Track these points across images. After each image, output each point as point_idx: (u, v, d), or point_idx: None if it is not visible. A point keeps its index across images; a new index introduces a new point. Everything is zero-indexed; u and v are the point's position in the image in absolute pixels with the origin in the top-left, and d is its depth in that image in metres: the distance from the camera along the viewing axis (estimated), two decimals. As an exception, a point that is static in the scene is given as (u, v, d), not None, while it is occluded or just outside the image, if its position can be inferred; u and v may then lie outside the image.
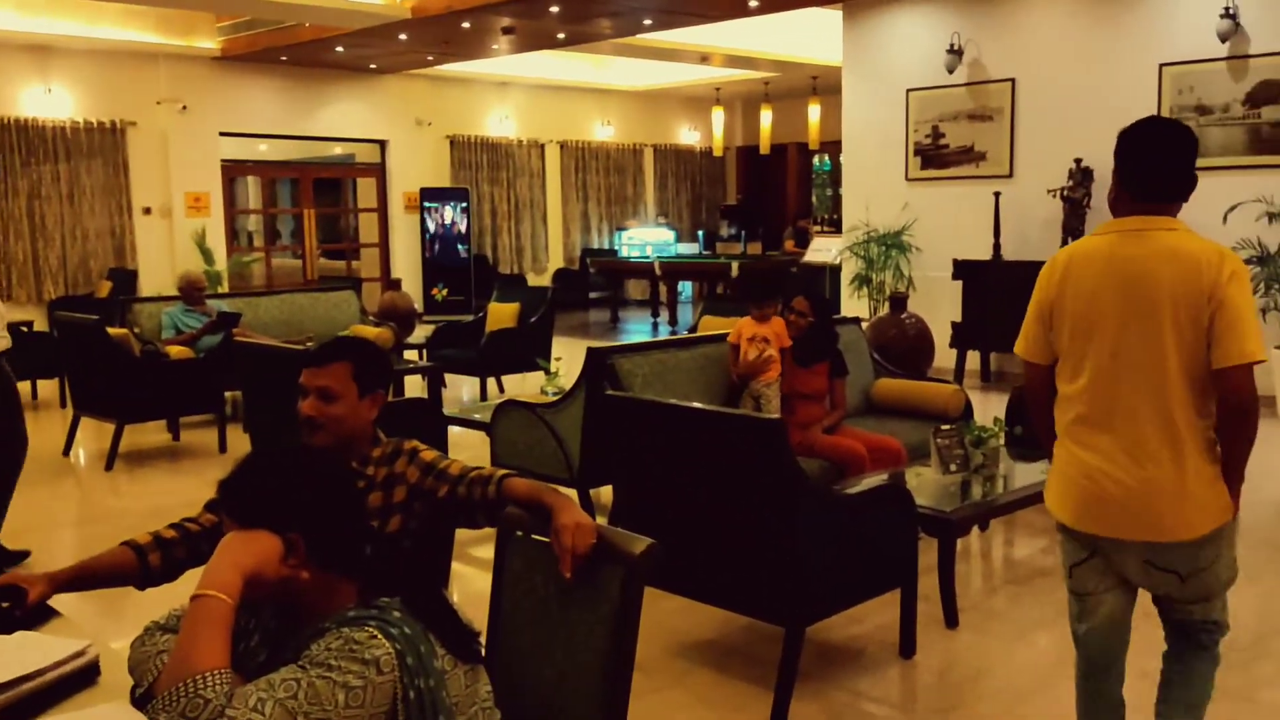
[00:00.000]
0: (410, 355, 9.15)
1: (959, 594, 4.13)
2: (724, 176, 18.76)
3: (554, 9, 10.11)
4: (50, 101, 11.83)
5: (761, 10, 10.39)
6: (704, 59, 13.75)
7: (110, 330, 7.00)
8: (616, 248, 16.35)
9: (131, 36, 11.89)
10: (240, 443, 7.01)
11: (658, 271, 13.45)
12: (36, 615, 2.04)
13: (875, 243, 9.88)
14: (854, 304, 10.10)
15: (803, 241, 14.61)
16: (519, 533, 2.24)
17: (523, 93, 15.76)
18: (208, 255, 12.43)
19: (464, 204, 14.86)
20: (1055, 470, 2.63)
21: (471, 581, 4.63)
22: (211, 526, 2.27)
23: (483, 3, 9.77)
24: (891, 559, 3.68)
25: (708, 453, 3.54)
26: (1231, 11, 7.96)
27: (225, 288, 12.22)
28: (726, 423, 3.63)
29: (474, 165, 15.33)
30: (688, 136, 18.09)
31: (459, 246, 14.87)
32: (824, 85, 14.10)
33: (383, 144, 14.75)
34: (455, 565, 4.25)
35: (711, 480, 3.52)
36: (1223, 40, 8.05)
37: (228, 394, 7.53)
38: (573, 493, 5.22)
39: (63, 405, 8.64)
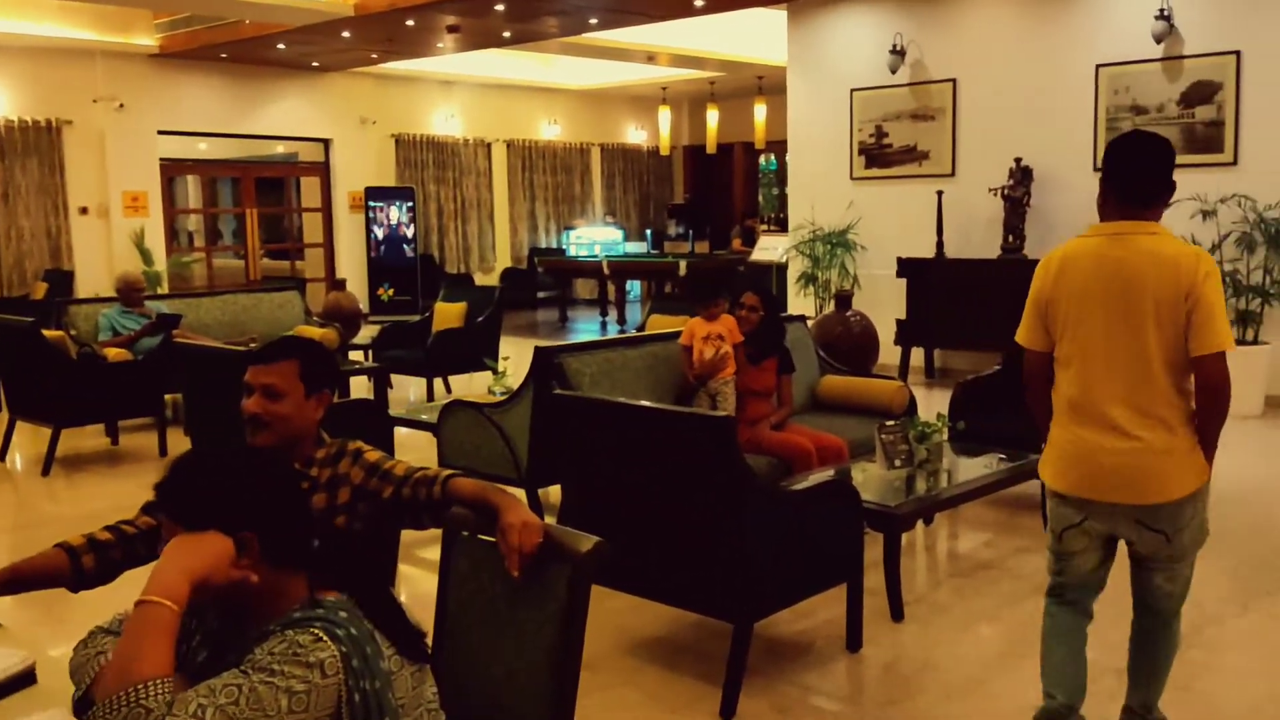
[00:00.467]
0: (356, 356, 9.06)
1: (904, 587, 4.18)
2: (671, 176, 18.81)
3: (499, 7, 10.07)
4: (-18, 99, 11.57)
5: (707, 10, 10.43)
6: (650, 58, 13.77)
7: (46, 332, 6.85)
8: (564, 247, 16.32)
9: (67, 33, 11.64)
10: (181, 446, 6.90)
11: (606, 271, 13.44)
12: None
13: (821, 241, 9.97)
14: (800, 302, 10.18)
15: (750, 240, 14.69)
16: (465, 533, 2.23)
17: (468, 91, 15.67)
18: (146, 256, 12.21)
19: (410, 203, 14.75)
20: (1052, 445, 2.91)
21: (418, 583, 4.60)
22: (148, 529, 2.23)
23: (427, 0, 9.70)
24: (838, 554, 3.71)
25: (656, 451, 3.55)
26: (1166, 13, 8.14)
27: (165, 289, 12.01)
28: (674, 421, 3.64)
29: (420, 164, 15.22)
30: (635, 136, 18.11)
31: (405, 246, 14.75)
32: (769, 85, 14.20)
33: (326, 143, 14.59)
34: (401, 567, 4.22)
35: (660, 478, 3.53)
36: (1157, 41, 8.22)
37: (168, 397, 7.41)
38: (521, 493, 5.20)
39: (-3, 410, 8.44)
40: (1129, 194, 2.79)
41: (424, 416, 6.17)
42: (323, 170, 14.72)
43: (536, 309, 16.19)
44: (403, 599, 3.23)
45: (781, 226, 12.94)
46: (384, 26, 10.93)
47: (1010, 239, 8.88)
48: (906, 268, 9.34)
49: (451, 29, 11.08)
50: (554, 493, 5.45)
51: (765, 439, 4.84)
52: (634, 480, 3.62)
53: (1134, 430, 2.75)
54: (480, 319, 8.68)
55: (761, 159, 17.74)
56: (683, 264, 12.94)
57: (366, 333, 10.06)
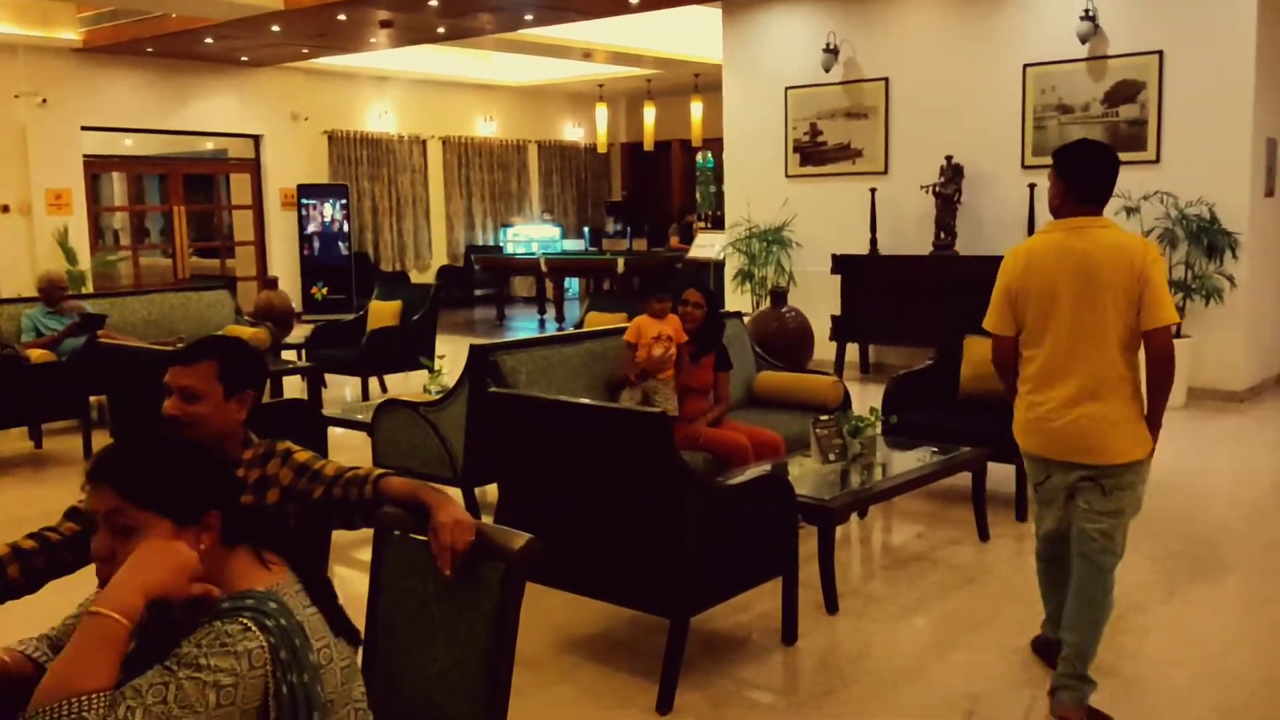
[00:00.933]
0: (289, 355, 8.92)
1: (839, 580, 4.22)
2: (609, 173, 18.80)
3: (433, 3, 9.98)
4: (-105, 93, 11.19)
5: (642, 8, 10.44)
6: (587, 55, 13.75)
7: (-36, 334, 6.64)
8: (502, 244, 16.23)
9: (-14, 26, 11.32)
10: (108, 449, 6.73)
11: (544, 268, 13.40)
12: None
13: (757, 238, 10.03)
14: (737, 299, 10.23)
15: (688, 237, 14.73)
16: (396, 532, 2.21)
17: (403, 87, 15.51)
18: (70, 255, 11.90)
19: (343, 200, 14.57)
20: (1020, 414, 3.35)
21: (349, 583, 4.53)
22: (73, 535, 2.18)
23: (359, -5, 9.59)
24: (773, 548, 3.74)
25: (592, 448, 3.55)
26: (1090, 14, 8.32)
27: (90, 288, 11.71)
28: (610, 417, 3.64)
29: (353, 161, 15.04)
30: (572, 133, 18.07)
31: (339, 244, 14.56)
32: (706, 83, 14.25)
33: (257, 139, 14.35)
34: (333, 568, 4.17)
35: (596, 475, 3.52)
36: (1082, 41, 8.40)
37: (93, 399, 7.22)
38: (457, 492, 5.16)
39: (-87, 414, 8.16)
40: (1085, 194, 3.19)
41: (359, 416, 6.10)
42: (253, 167, 14.47)
43: (474, 307, 16.09)
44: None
45: (719, 224, 13.00)
46: (315, 21, 10.77)
47: (942, 236, 9.01)
48: (841, 264, 9.44)
49: (384, 24, 10.96)
50: (491, 491, 5.42)
51: (702, 435, 4.86)
52: (570, 478, 3.61)
53: (1091, 400, 3.16)
54: (416, 317, 8.60)
55: (699, 156, 17.84)
56: (621, 261, 12.94)
57: (299, 332, 9.91)
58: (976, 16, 9.05)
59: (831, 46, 9.63)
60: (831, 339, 9.44)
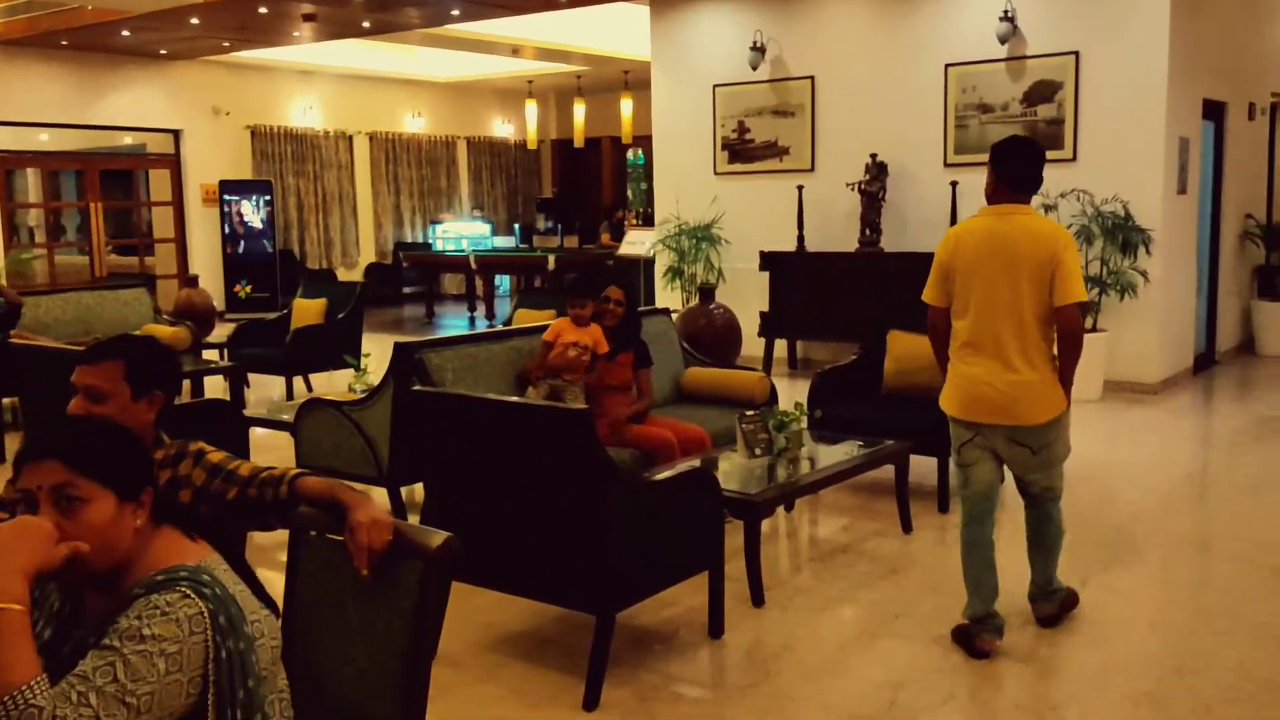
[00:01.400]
0: (210, 355, 8.74)
1: (765, 573, 4.26)
2: (539, 169, 18.73)
3: (357, -4, 9.85)
4: None
5: (570, 4, 10.42)
6: (515, 51, 13.68)
7: None
8: (431, 241, 16.08)
9: (-113, 15, 10.90)
10: (20, 452, 6.53)
11: (473, 265, 13.31)
12: None
13: (686, 235, 10.06)
14: (667, 296, 10.26)
15: (619, 235, 14.74)
16: (313, 532, 2.18)
17: (328, 82, 15.28)
18: (-18, 252, 11.53)
19: (267, 197, 14.31)
20: (949, 381, 3.71)
21: (266, 584, 4.45)
22: None
23: (281, -12, 9.42)
24: (699, 543, 3.76)
25: (517, 445, 3.53)
26: (1009, 15, 8.49)
27: (3, 285, 11.33)
28: (535, 415, 3.63)
29: (277, 157, 14.77)
30: (501, 129, 17.97)
31: (263, 241, 14.30)
32: (635, 80, 14.26)
33: (176, 134, 14.03)
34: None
35: (522, 473, 3.51)
36: (1002, 42, 8.57)
37: (5, 400, 7.01)
38: (383, 492, 5.11)
39: None
40: (1016, 184, 3.60)
41: (283, 416, 6.00)
42: (173, 162, 14.15)
43: (403, 305, 15.92)
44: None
45: (649, 221, 13.03)
46: (235, 14, 10.56)
47: (867, 233, 9.13)
48: (769, 261, 9.52)
49: (308, 17, 10.79)
50: (418, 491, 5.37)
51: (627, 432, 4.87)
52: (496, 476, 3.59)
53: (1011, 368, 3.55)
54: (341, 315, 8.49)
55: (630, 153, 17.85)
56: (551, 258, 12.91)
57: (221, 331, 9.72)
58: (899, 16, 9.18)
59: (759, 45, 9.70)
60: (760, 335, 9.52)
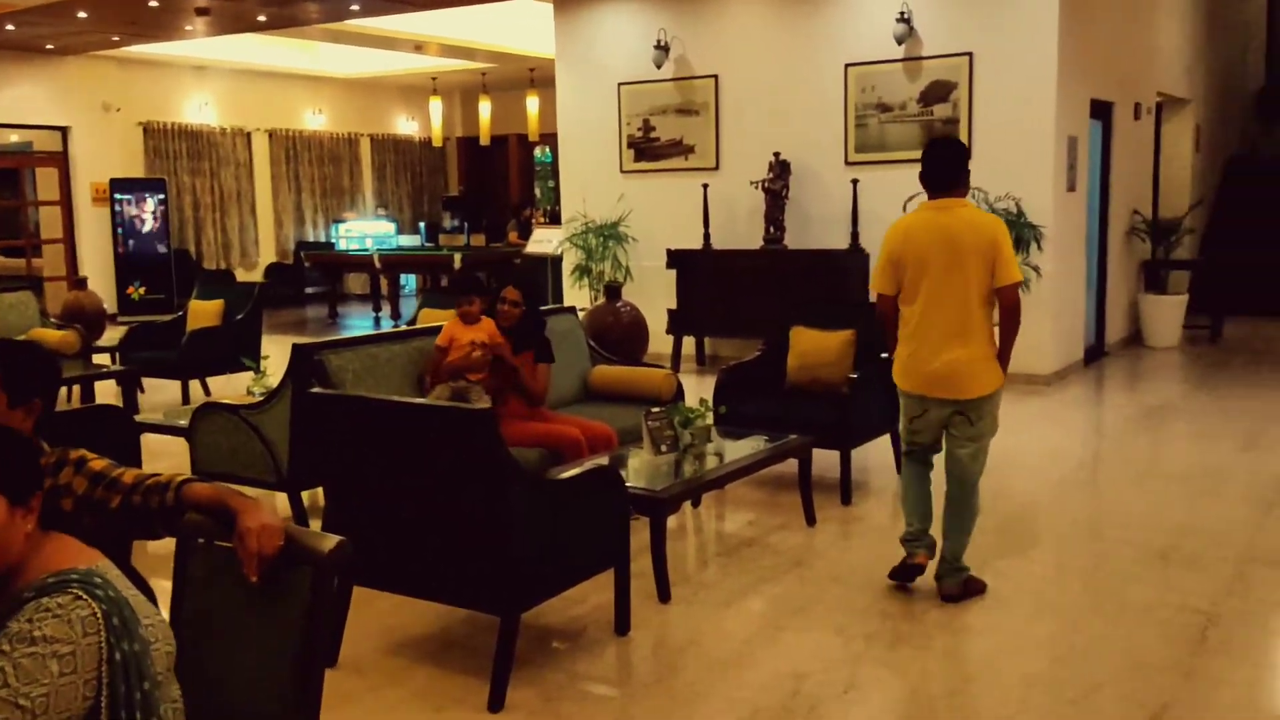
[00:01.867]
0: (101, 359, 8.45)
1: (672, 569, 4.29)
2: (445, 167, 18.53)
3: (253, -10, 9.62)
4: None
5: (473, 1, 10.32)
6: (418, 48, 13.50)
7: None
8: (334, 240, 15.79)
9: None
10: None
11: (377, 264, 13.11)
12: None
13: (593, 234, 10.06)
14: (575, 294, 10.24)
15: (526, 233, 14.66)
16: (201, 540, 2.12)
17: (224, 78, 14.90)
18: None
19: (161, 196, 13.89)
20: (899, 360, 4.12)
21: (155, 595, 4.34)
22: None
23: (172, -20, 9.15)
24: (604, 540, 3.76)
25: (418, 447, 3.49)
26: (906, 16, 8.67)
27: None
28: (435, 415, 3.59)
29: (172, 154, 14.36)
30: (406, 126, 17.73)
31: (157, 241, 13.88)
32: (541, 77, 14.20)
33: (64, 131, 13.54)
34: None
35: (424, 474, 3.47)
36: (899, 43, 8.74)
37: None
38: (283, 497, 5.01)
39: None
40: (932, 182, 4.01)
41: (179, 421, 5.82)
42: (61, 160, 13.65)
43: (305, 305, 15.61)
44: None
45: (557, 219, 12.99)
46: (125, 8, 10.23)
47: (771, 230, 9.23)
48: (676, 259, 9.57)
49: (200, 11, 10.49)
50: (319, 495, 5.27)
51: (533, 430, 4.84)
52: (398, 478, 3.54)
53: (955, 347, 3.94)
54: (240, 316, 8.28)
55: (537, 151, 17.77)
56: (457, 257, 12.78)
57: (113, 334, 9.40)
58: (800, 16, 9.30)
59: (662, 43, 9.74)
60: (668, 332, 9.56)
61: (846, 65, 9.05)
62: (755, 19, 9.55)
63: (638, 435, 4.90)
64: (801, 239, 9.24)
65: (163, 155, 14.25)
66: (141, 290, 13.74)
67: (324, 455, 3.81)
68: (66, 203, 13.68)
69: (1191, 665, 3.54)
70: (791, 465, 5.17)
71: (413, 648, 3.82)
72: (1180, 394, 8.55)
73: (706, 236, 9.58)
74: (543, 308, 5.60)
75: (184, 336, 8.13)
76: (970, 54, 8.55)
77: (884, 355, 5.53)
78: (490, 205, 17.64)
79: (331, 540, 1.95)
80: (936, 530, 4.22)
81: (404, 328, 6.38)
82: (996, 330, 4.05)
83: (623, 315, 8.92)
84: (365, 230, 15.81)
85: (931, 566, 4.19)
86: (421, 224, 16.64)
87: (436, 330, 5.19)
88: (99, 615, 1.58)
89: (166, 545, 2.17)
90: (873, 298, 4.41)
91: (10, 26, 11.02)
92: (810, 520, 5.08)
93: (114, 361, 8.31)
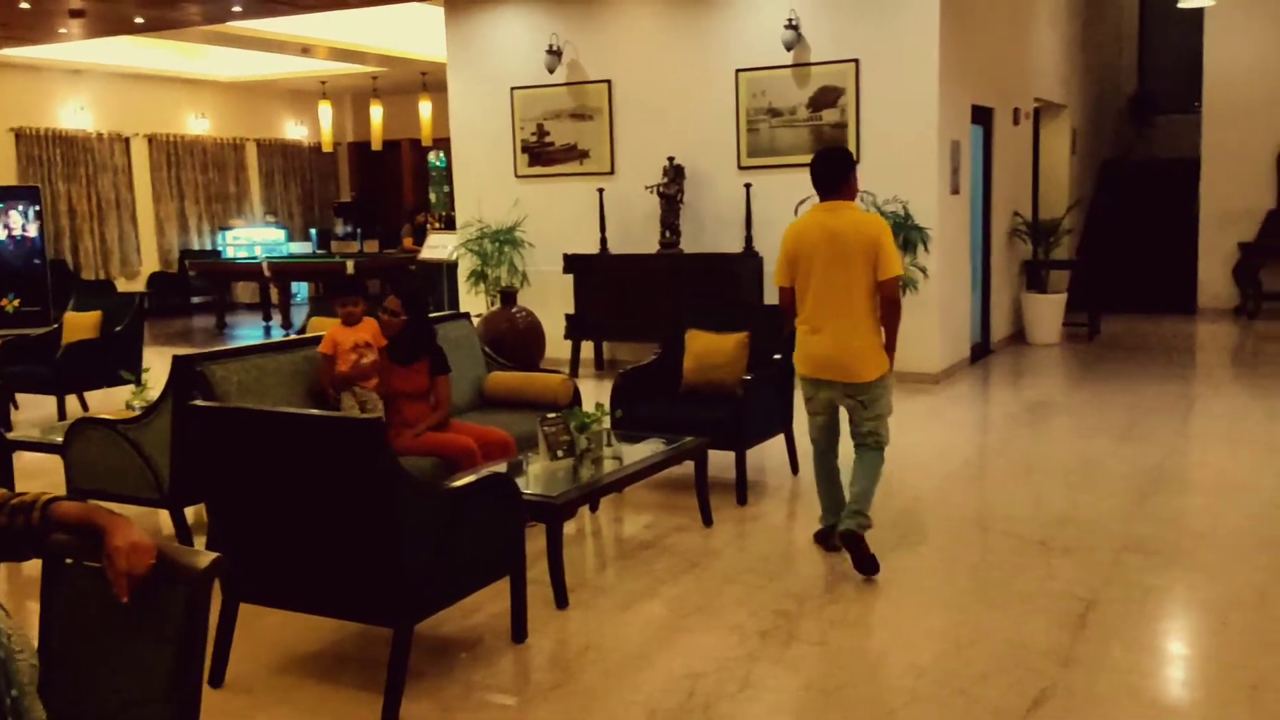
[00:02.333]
0: (-29, 375, 8.05)
1: (571, 574, 4.27)
2: (336, 173, 18.20)
3: (129, -10, 9.30)
4: None
5: (360, 3, 10.15)
6: (305, 51, 13.22)
7: None
8: (221, 248, 15.36)
9: None
10: None
11: (266, 273, 12.79)
12: None
13: (489, 239, 9.98)
14: (472, 300, 10.16)
15: (422, 239, 14.48)
16: (69, 560, 2.04)
17: (101, 81, 14.38)
18: None
19: (35, 205, 13.31)
20: (798, 347, 4.52)
21: (18, 618, 4.15)
22: None
23: (42, -21, 8.79)
24: (500, 548, 3.73)
25: (304, 459, 3.41)
26: (794, 23, 8.81)
27: None
28: (321, 426, 3.51)
29: (46, 161, 13.81)
30: (294, 131, 17.36)
31: (32, 252, 13.30)
32: (434, 81, 14.05)
33: (-71, 136, 12.90)
34: None
35: (310, 487, 3.39)
36: (788, 49, 8.88)
37: None
38: (164, 514, 4.85)
39: None
40: (820, 188, 4.42)
41: (54, 438, 5.58)
42: (-75, 167, 13.00)
43: (192, 315, 15.15)
44: None
45: (452, 224, 12.86)
46: (-8, 7, 9.79)
47: (667, 234, 9.29)
48: (573, 264, 9.56)
49: (75, 13, 10.10)
50: (204, 511, 5.11)
51: (426, 440, 4.78)
52: (284, 492, 3.45)
53: (845, 336, 4.35)
54: (118, 328, 7.98)
55: (431, 156, 17.56)
56: (350, 264, 12.55)
57: (-17, 349, 8.96)
58: (691, 22, 9.38)
59: (555, 48, 9.72)
60: (566, 337, 9.54)
61: (737, 71, 9.15)
62: (647, 24, 9.60)
63: (535, 441, 4.87)
64: (697, 243, 9.31)
65: (36, 162, 13.69)
66: (16, 303, 13.14)
67: (206, 470, 3.69)
68: (-69, 211, 13.03)
69: (1071, 651, 3.66)
70: (689, 467, 5.21)
71: (303, 664, 3.73)
72: (1061, 389, 8.87)
73: (603, 241, 9.59)
74: (433, 315, 5.52)
75: (59, 350, 7.81)
76: (856, 61, 8.73)
77: (776, 357, 5.73)
78: (384, 211, 17.38)
79: (206, 557, 1.89)
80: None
81: (292, 337, 6.23)
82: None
83: (518, 321, 8.87)
84: (254, 238, 15.44)
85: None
86: (313, 231, 16.32)
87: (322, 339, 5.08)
88: None
89: (35, 567, 2.08)
90: (774, 295, 4.82)
91: None
92: (707, 521, 5.12)
93: (-16, 377, 7.93)
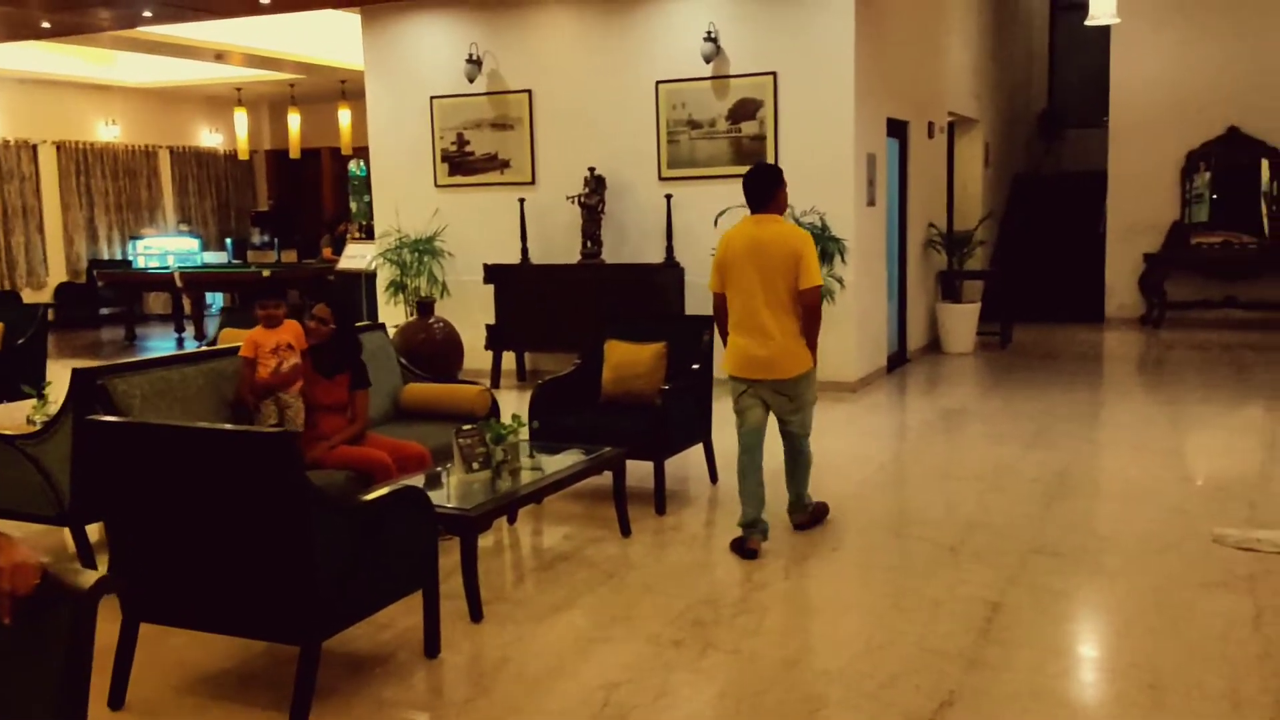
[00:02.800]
0: None
1: (487, 587, 4.24)
2: (253, 181, 17.86)
3: (33, -7, 9.03)
4: None
5: (274, 9, 9.99)
6: (219, 57, 12.96)
7: None
8: (131, 258, 14.97)
9: None
10: None
11: (179, 283, 12.49)
12: None
13: (408, 249, 9.88)
14: (391, 311, 10.03)
15: (341, 248, 14.26)
16: (-51, 581, 1.96)
17: (7, 88, 13.94)
18: None
19: (-65, 212, 12.85)
20: (729, 350, 4.86)
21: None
22: None
23: (-60, -20, 8.49)
24: (412, 562, 3.68)
25: (209, 474, 3.33)
26: (713, 35, 8.88)
27: None
28: (227, 440, 3.44)
29: (-54, 167, 13.32)
30: (209, 138, 17.00)
31: (-69, 261, 12.83)
32: (353, 89, 13.86)
33: None
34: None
35: (215, 502, 3.31)
36: (707, 61, 8.95)
37: None
38: (65, 531, 4.70)
39: None
40: (750, 201, 4.83)
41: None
42: None
43: (100, 327, 14.73)
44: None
45: (372, 234, 12.69)
46: (-113, 7, 9.42)
47: (588, 244, 9.28)
48: (493, 274, 9.50)
49: (-24, 15, 9.78)
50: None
51: (340, 453, 4.70)
52: (188, 508, 3.37)
53: (770, 337, 4.70)
54: (21, 341, 7.73)
55: (352, 165, 17.32)
56: (266, 273, 12.32)
57: (-122, 362, 8.60)
58: (611, 33, 9.41)
59: (474, 57, 9.67)
60: (487, 348, 9.48)
61: (657, 82, 9.20)
62: (567, 35, 9.60)
63: (450, 453, 4.83)
64: (618, 253, 9.32)
65: (-65, 168, 13.21)
66: (-88, 314, 12.65)
67: (105, 487, 3.59)
68: None
69: (976, 653, 3.73)
70: (608, 477, 5.20)
71: (209, 684, 3.64)
72: (974, 397, 9.06)
73: (524, 251, 9.55)
74: (357, 324, 5.44)
75: (-43, 363, 7.53)
76: (775, 73, 8.83)
77: (695, 367, 5.77)
78: (302, 220, 17.09)
79: (92, 576, 1.83)
80: (770, 512, 4.95)
81: (203, 349, 6.10)
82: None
83: (435, 331, 8.78)
84: (166, 247, 15.08)
85: (766, 547, 4.84)
86: (229, 240, 15.97)
87: (235, 350, 4.98)
88: None
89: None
90: (696, 305, 5.14)
91: None
92: (625, 531, 5.12)
93: (-125, 392, 7.61)
